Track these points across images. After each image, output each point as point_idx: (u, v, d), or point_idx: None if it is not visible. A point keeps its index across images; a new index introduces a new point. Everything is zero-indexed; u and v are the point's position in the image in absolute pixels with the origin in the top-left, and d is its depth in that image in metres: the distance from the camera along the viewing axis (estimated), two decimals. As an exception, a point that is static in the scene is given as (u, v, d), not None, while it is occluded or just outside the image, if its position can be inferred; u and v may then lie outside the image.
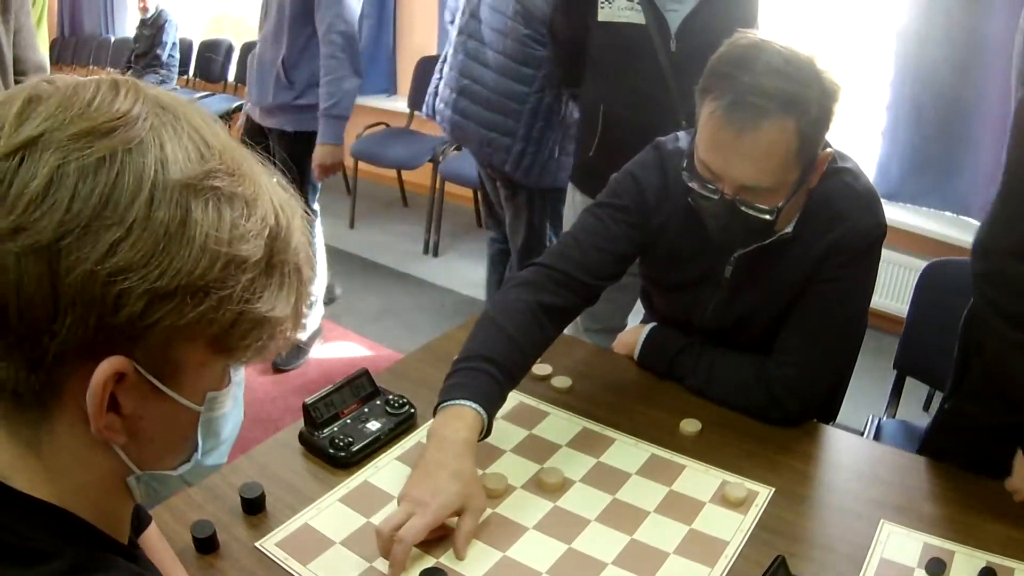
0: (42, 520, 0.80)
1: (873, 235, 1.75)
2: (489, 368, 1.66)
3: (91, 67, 9.66)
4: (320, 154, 3.62)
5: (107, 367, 0.73)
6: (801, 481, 1.66)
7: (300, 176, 3.66)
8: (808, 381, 1.80)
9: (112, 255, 0.70)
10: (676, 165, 1.78)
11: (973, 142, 3.94)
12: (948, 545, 1.47)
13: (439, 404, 1.62)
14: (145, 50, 8.16)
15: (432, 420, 1.62)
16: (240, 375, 0.94)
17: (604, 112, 2.64)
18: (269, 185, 0.83)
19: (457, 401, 1.60)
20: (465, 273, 5.41)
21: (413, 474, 1.52)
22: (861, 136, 4.41)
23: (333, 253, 5.08)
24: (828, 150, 1.69)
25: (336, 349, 4.42)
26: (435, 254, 5.76)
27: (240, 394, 0.96)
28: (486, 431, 1.62)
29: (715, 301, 1.92)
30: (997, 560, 1.42)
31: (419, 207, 6.09)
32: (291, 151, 3.60)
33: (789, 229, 1.77)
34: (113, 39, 9.71)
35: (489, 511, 1.58)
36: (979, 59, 3.80)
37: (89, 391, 0.74)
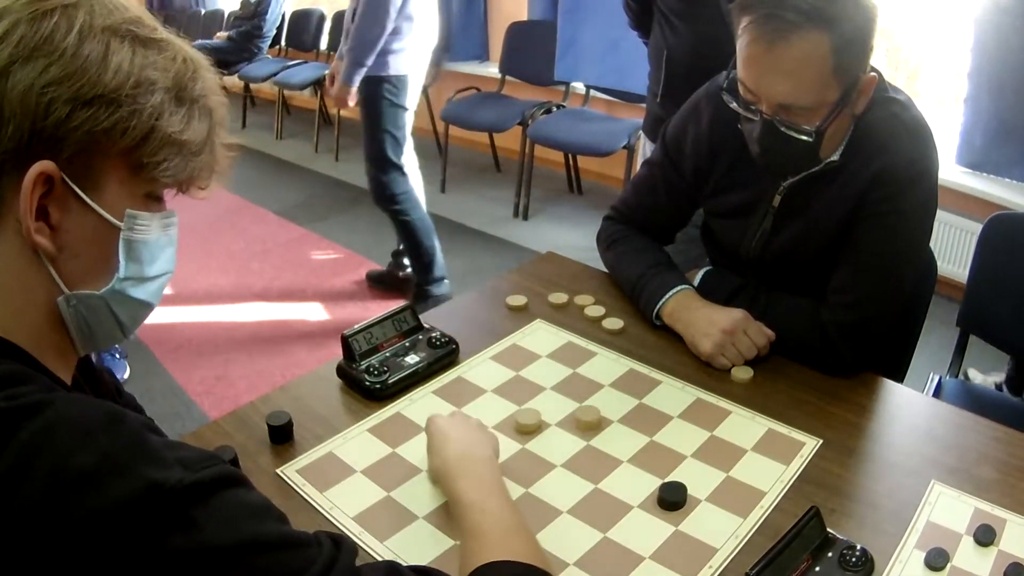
0: None
1: (917, 167, 1.67)
2: (664, 268, 1.97)
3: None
4: (335, 90, 3.88)
5: (37, 168, 0.89)
6: (851, 433, 1.56)
7: (372, 117, 3.90)
8: (862, 324, 1.72)
9: (46, 72, 0.88)
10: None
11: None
12: (999, 512, 1.35)
13: (658, 304, 1.89)
14: (247, 15, 8.23)
15: (664, 314, 1.89)
16: (172, 232, 1.08)
17: (668, 58, 2.60)
18: (181, 43, 1.02)
19: (674, 289, 1.89)
20: (554, 236, 5.36)
21: (697, 328, 1.80)
22: (943, 104, 4.25)
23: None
24: (873, 75, 1.64)
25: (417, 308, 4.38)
26: (525, 218, 5.71)
27: (172, 251, 1.10)
28: None
29: (763, 229, 1.88)
30: (1052, 533, 1.31)
31: (512, 173, 6.04)
32: (364, 93, 3.84)
33: (836, 157, 1.72)
34: (204, 11, 9.84)
35: (517, 447, 1.54)
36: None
37: (21, 193, 0.89)
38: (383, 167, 3.96)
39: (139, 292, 1.05)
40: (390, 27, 3.65)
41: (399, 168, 3.99)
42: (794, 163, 1.72)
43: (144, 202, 1.01)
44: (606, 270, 2.13)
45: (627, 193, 2.14)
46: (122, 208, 0.98)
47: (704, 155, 1.91)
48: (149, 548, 0.81)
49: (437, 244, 4.24)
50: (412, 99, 3.93)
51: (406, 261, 4.46)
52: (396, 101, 3.86)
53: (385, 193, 4.02)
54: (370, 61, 3.70)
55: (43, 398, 0.86)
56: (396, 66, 3.79)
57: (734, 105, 1.68)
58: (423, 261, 4.25)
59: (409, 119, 3.96)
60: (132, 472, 0.82)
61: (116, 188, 0.96)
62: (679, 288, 1.88)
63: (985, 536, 1.29)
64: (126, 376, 3.83)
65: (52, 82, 0.88)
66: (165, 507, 0.82)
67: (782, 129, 1.61)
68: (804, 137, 1.61)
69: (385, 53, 3.73)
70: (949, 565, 1.25)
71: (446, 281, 4.32)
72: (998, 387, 3.42)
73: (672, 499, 1.38)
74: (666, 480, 1.43)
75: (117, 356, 3.85)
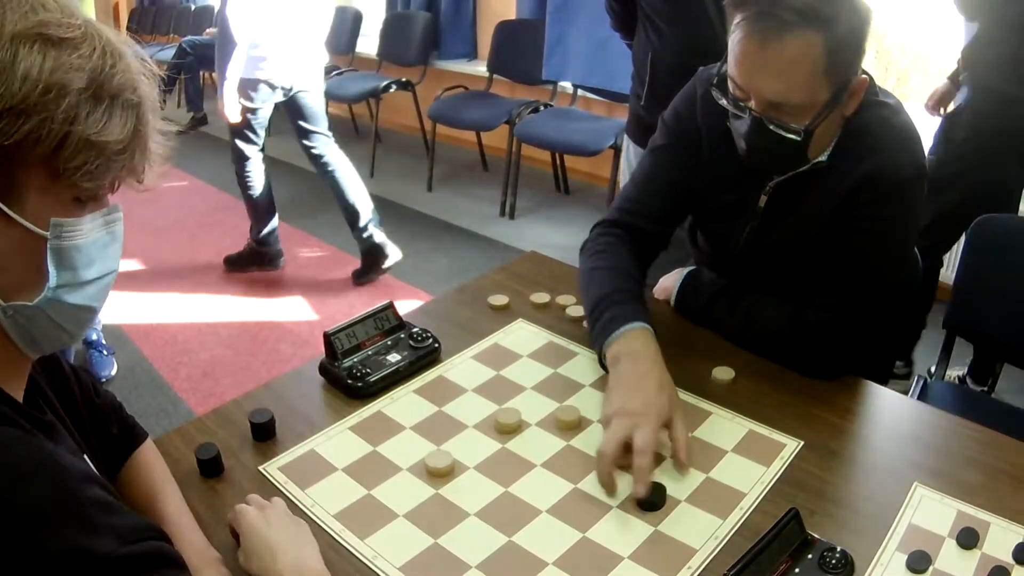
0: None
1: (905, 172, 1.66)
2: (630, 297, 1.74)
3: (171, 35, 9.77)
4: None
5: None
6: (834, 436, 1.56)
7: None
8: (844, 327, 1.71)
9: None
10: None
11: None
12: (983, 515, 1.35)
13: (608, 338, 1.66)
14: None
15: (609, 351, 1.65)
16: (116, 228, 1.04)
17: (652, 60, 2.59)
18: (102, 35, 0.96)
19: (629, 325, 1.66)
20: (540, 235, 5.36)
21: (615, 392, 1.55)
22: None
23: (410, 215, 5.08)
24: (863, 76, 1.63)
25: (401, 307, 4.38)
26: (511, 217, 5.71)
27: (115, 248, 1.05)
28: None
29: (749, 230, 1.86)
30: (1034, 535, 1.30)
31: (499, 172, 6.03)
32: None
33: (823, 158, 1.71)
34: (194, 7, 9.80)
35: (497, 446, 1.53)
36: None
37: None
38: (233, 148, 4.63)
39: (77, 297, 1.01)
40: (240, 42, 4.10)
41: (241, 152, 4.62)
42: (781, 162, 1.71)
43: (73, 207, 0.97)
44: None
45: (625, 190, 2.04)
46: (47, 217, 0.94)
47: (699, 133, 1.88)
48: None
49: (272, 223, 4.88)
50: (263, 100, 4.43)
51: (361, 224, 4.77)
52: (243, 99, 4.35)
53: (234, 165, 4.69)
54: (228, 73, 4.18)
55: None
56: (252, 71, 4.27)
57: (723, 101, 1.67)
58: (256, 226, 4.87)
59: (260, 115, 4.54)
60: (60, 531, 0.83)
61: (38, 197, 0.92)
62: (632, 325, 1.66)
63: (968, 539, 1.28)
64: (113, 373, 3.82)
65: None
66: None
67: (771, 127, 1.60)
68: (793, 136, 1.60)
69: (248, 59, 4.22)
70: (931, 568, 1.24)
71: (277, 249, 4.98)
72: (961, 380, 3.44)
73: (651, 500, 1.37)
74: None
75: (104, 353, 3.85)
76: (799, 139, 1.60)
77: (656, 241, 1.96)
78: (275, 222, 4.87)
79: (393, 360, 1.73)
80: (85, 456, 1.13)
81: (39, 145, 0.88)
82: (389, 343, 1.79)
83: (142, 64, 1.01)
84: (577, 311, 1.95)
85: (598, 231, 1.96)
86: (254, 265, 4.93)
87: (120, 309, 4.40)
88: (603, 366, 1.69)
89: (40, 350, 1.03)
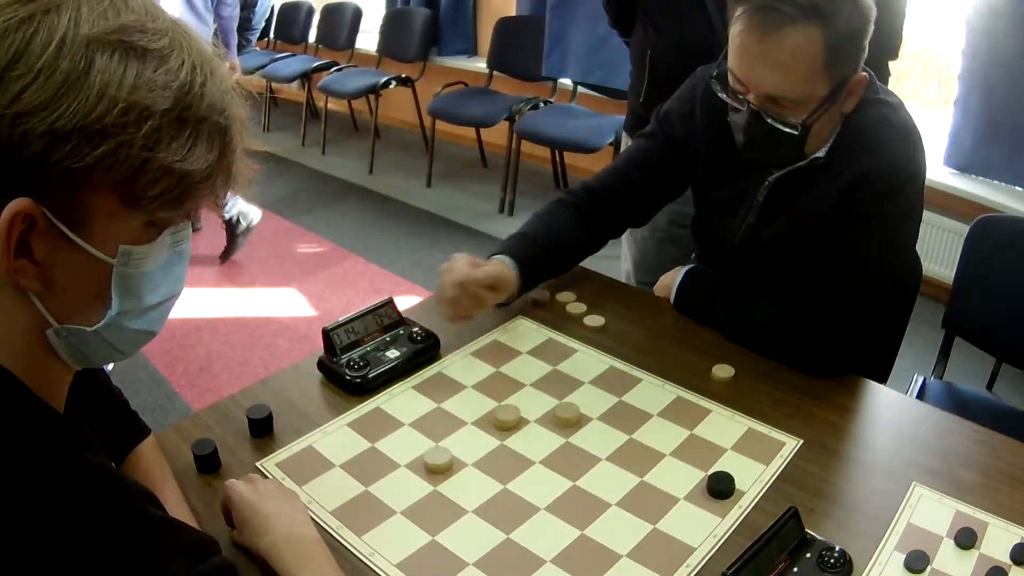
0: None
1: (903, 170, 1.66)
2: (522, 238, 1.90)
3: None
4: None
5: (12, 206, 0.78)
6: (832, 434, 1.55)
7: None
8: (843, 325, 1.71)
9: (19, 100, 0.76)
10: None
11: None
12: (981, 515, 1.34)
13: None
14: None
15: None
16: (184, 247, 0.98)
17: (651, 58, 2.59)
18: (191, 44, 0.86)
19: (492, 257, 1.84)
20: (538, 233, 5.34)
21: None
22: (934, 105, 4.26)
23: (409, 211, 5.05)
24: (863, 74, 1.64)
25: (400, 303, 4.38)
26: (510, 213, 5.70)
27: (181, 269, 1.00)
28: (523, 281, 1.85)
29: (747, 224, 1.87)
30: (1032, 535, 1.30)
31: (498, 168, 6.03)
32: None
33: (822, 154, 1.71)
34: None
35: (496, 443, 1.53)
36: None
37: None
38: None
39: (138, 323, 0.96)
40: None
41: None
42: (778, 156, 1.72)
43: (143, 232, 0.88)
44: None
45: (608, 165, 2.09)
46: (115, 243, 0.86)
47: (695, 134, 1.90)
48: None
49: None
50: None
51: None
52: None
53: None
54: None
55: (42, 452, 0.81)
56: None
57: (723, 95, 1.68)
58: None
59: None
60: (137, 555, 0.80)
61: (106, 222, 0.84)
62: (494, 257, 1.85)
63: (966, 539, 1.28)
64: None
65: (25, 112, 0.75)
66: None
67: (768, 120, 1.61)
68: (790, 130, 1.61)
69: None
70: (929, 568, 1.24)
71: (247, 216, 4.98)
72: None
73: (720, 488, 1.39)
74: (712, 471, 1.44)
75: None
76: (796, 133, 1.61)
77: (607, 210, 2.01)
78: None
79: (392, 356, 1.73)
80: (113, 465, 1.11)
81: (113, 170, 0.80)
82: (388, 339, 1.78)
83: (231, 79, 0.92)
84: (577, 308, 1.95)
85: (570, 194, 2.04)
86: (234, 242, 4.97)
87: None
88: None
89: (88, 365, 0.98)
